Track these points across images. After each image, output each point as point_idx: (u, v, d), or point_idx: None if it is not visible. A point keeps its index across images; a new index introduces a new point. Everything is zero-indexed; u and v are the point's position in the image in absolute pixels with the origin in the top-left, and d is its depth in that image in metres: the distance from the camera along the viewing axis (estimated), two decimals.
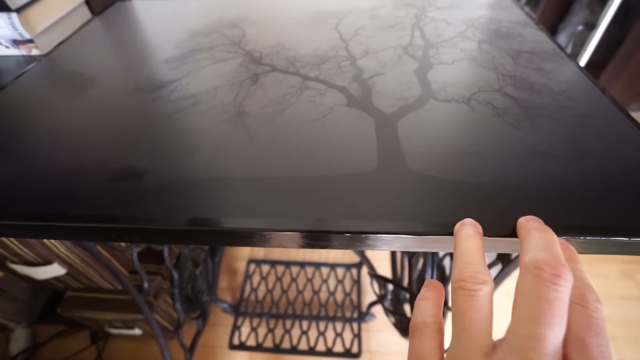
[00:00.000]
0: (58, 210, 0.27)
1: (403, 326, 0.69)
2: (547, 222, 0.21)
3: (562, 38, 1.74)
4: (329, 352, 0.91)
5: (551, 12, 1.80)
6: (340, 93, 0.36)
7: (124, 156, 0.31)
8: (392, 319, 0.73)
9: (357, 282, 1.03)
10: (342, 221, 0.24)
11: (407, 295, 0.64)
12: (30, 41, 0.49)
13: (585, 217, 0.24)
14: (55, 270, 0.59)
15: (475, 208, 0.24)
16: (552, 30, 1.81)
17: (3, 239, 0.52)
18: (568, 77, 0.36)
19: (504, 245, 0.24)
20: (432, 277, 0.56)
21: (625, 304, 0.94)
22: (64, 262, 0.58)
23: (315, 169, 0.28)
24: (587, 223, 0.23)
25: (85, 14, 0.60)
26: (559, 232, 0.21)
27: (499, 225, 0.23)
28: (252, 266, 1.09)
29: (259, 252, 1.13)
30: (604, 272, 1.01)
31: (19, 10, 0.46)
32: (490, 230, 0.23)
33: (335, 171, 0.28)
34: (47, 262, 0.58)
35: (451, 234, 0.23)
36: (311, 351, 0.91)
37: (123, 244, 0.53)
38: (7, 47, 0.50)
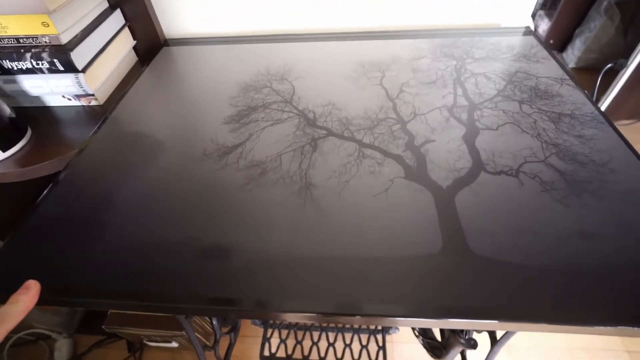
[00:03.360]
0: (158, 289, 0.30)
1: (432, 348, 0.73)
2: (598, 308, 0.25)
3: (577, 43, 1.74)
4: None
5: (568, 17, 1.79)
6: (396, 163, 0.39)
7: (208, 231, 0.34)
8: (421, 341, 0.77)
9: None
10: (413, 309, 0.28)
11: None
12: (92, 96, 0.53)
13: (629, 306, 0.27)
14: None
15: (525, 294, 0.28)
16: (569, 35, 1.81)
17: None
18: (608, 145, 0.39)
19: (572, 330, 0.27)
20: None
21: None
22: None
23: (386, 250, 0.32)
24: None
25: (132, 58, 0.63)
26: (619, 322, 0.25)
27: (535, 312, 0.27)
28: None
29: None
30: None
31: (84, 70, 0.49)
32: (543, 317, 0.26)
33: (405, 252, 0.31)
34: None
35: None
36: None
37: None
38: (69, 99, 0.54)
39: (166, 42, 0.64)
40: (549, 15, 1.88)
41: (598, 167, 0.37)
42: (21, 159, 0.47)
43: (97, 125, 0.47)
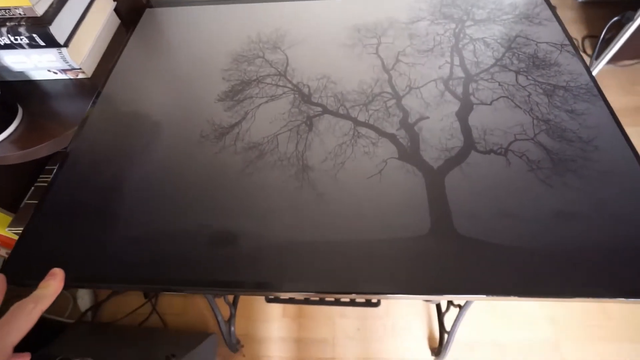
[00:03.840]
0: (170, 275, 0.33)
1: None
2: (563, 285, 0.29)
3: None
4: (352, 302, 1.06)
5: None
6: (390, 143, 0.40)
7: (208, 220, 0.36)
8: None
9: None
10: (402, 285, 0.31)
11: None
12: (79, 69, 0.51)
13: (600, 280, 0.31)
14: None
15: (503, 272, 0.31)
16: None
17: None
18: (597, 121, 0.40)
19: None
20: None
21: None
22: None
23: (378, 232, 0.34)
24: (602, 288, 0.30)
25: (114, 20, 0.59)
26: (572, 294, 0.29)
27: (523, 288, 0.30)
28: None
29: None
30: None
31: (67, 43, 0.47)
32: (513, 291, 0.30)
33: (397, 234, 0.34)
34: None
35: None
36: (337, 302, 1.06)
37: None
38: (55, 73, 0.52)
39: (149, 3, 0.60)
40: None
41: (584, 144, 0.39)
42: (17, 141, 0.47)
43: (90, 104, 0.46)
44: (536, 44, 0.48)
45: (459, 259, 0.32)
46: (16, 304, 0.27)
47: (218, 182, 0.39)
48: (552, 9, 0.51)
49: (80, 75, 0.53)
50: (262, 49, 0.51)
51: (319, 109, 0.44)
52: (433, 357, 0.91)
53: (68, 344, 0.83)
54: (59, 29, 0.46)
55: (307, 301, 1.07)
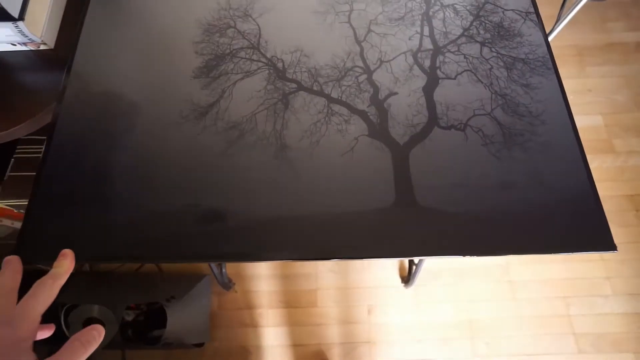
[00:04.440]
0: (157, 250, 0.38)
1: None
2: (496, 245, 0.36)
3: None
4: None
5: None
6: (361, 120, 0.43)
7: (196, 198, 0.40)
8: None
9: None
10: (370, 250, 0.38)
11: None
12: (39, 42, 0.49)
13: (522, 241, 0.38)
14: None
15: (455, 235, 0.38)
16: None
17: None
18: (547, 95, 0.44)
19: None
20: None
21: None
22: None
23: (351, 204, 0.40)
24: (527, 245, 0.38)
25: None
26: (504, 251, 0.36)
27: (468, 247, 0.38)
28: None
29: None
30: None
31: (21, 16, 0.45)
32: (460, 251, 0.37)
33: (366, 207, 0.40)
34: None
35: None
36: None
37: None
38: (13, 45, 0.49)
39: None
40: None
41: (533, 118, 0.43)
42: None
43: (62, 83, 0.46)
44: (503, 12, 0.49)
45: (418, 226, 0.38)
46: (37, 282, 0.31)
47: (202, 163, 0.42)
48: None
49: (43, 47, 0.50)
50: (233, 18, 0.50)
51: (294, 85, 0.46)
52: (403, 284, 1.05)
53: (71, 292, 0.90)
54: (10, 1, 0.43)
55: None
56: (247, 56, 0.47)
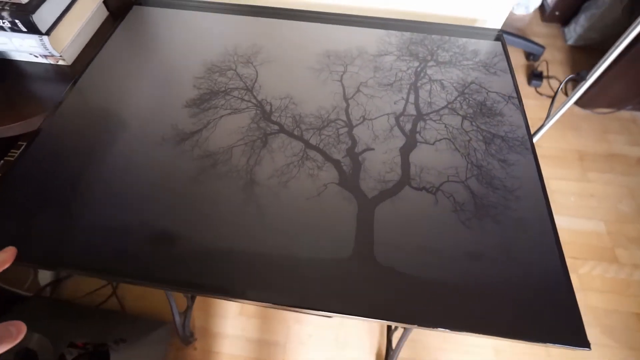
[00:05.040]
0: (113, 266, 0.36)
1: None
2: (457, 319, 0.32)
3: (582, 19, 1.68)
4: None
5: None
6: (334, 168, 0.44)
7: (155, 219, 0.39)
8: None
9: None
10: (320, 300, 0.35)
11: None
12: (59, 56, 0.53)
13: (485, 320, 0.34)
14: None
15: (418, 301, 0.35)
16: (576, 9, 1.73)
17: None
18: (524, 173, 0.44)
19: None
20: None
21: None
22: None
23: (308, 249, 0.38)
24: (491, 326, 0.34)
25: (102, 12, 0.62)
26: (463, 328, 0.32)
27: (425, 316, 0.34)
28: None
29: None
30: None
31: (48, 32, 0.50)
32: (418, 319, 0.34)
33: (322, 253, 0.37)
34: None
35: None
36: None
37: None
38: (36, 57, 0.54)
39: (137, 0, 0.62)
40: None
41: (507, 192, 0.42)
42: None
43: (65, 92, 0.49)
44: (487, 93, 0.52)
45: (373, 285, 0.36)
46: None
47: (172, 185, 0.42)
48: (509, 61, 0.55)
49: (61, 62, 0.55)
50: (236, 62, 0.54)
51: (277, 127, 0.47)
52: None
53: (22, 316, 0.84)
54: (42, 18, 0.48)
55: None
56: (239, 96, 0.50)
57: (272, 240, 0.38)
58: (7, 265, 0.33)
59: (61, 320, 0.90)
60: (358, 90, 0.51)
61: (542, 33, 1.84)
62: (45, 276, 1.09)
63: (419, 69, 0.54)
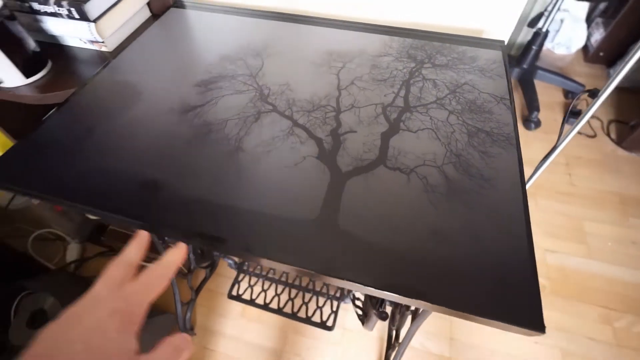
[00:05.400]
0: (112, 203, 0.40)
1: (359, 315, 0.82)
2: (410, 286, 0.32)
3: (628, 61, 1.61)
4: (307, 319, 1.07)
5: (625, 30, 1.66)
6: (315, 145, 0.46)
7: (152, 169, 0.44)
8: (358, 311, 0.86)
9: None
10: (284, 254, 0.36)
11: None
12: (102, 42, 0.62)
13: (439, 291, 0.34)
14: None
15: (371, 267, 0.35)
16: (622, 50, 1.68)
17: None
18: (504, 165, 0.44)
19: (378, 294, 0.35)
20: None
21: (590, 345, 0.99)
22: None
23: (277, 208, 0.40)
24: (445, 297, 0.33)
25: (146, 13, 0.72)
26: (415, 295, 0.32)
27: (376, 280, 0.34)
28: None
29: None
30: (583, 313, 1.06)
31: (95, 20, 0.59)
32: (374, 283, 0.34)
33: (289, 213, 0.39)
34: None
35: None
36: (293, 315, 1.08)
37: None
38: (84, 43, 0.64)
39: (175, 3, 0.72)
40: (606, 25, 1.74)
41: (483, 181, 0.42)
42: (40, 87, 0.59)
43: (98, 70, 0.57)
44: (479, 93, 0.53)
45: (331, 245, 0.37)
46: (149, 269, 0.27)
47: (171, 143, 0.47)
48: (507, 68, 0.56)
49: (103, 49, 0.64)
50: (246, 54, 0.60)
51: (270, 107, 0.51)
52: None
53: (44, 283, 0.92)
54: (92, 8, 0.58)
55: (265, 306, 1.09)
56: (243, 80, 0.55)
57: (245, 196, 0.41)
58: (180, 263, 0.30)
59: (76, 291, 0.96)
60: (352, 83, 0.55)
61: (584, 73, 1.79)
62: (72, 254, 1.18)
63: (414, 69, 0.57)
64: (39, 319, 0.86)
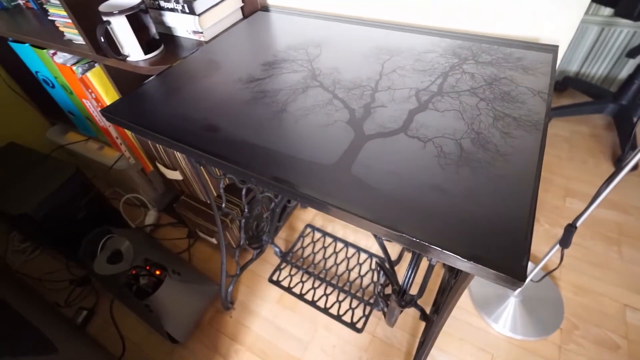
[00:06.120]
0: (182, 137, 0.52)
1: (386, 314, 0.82)
2: (405, 225, 0.36)
3: None
4: (338, 317, 1.09)
5: None
6: (348, 113, 0.53)
7: (215, 118, 0.55)
8: (381, 304, 0.86)
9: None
10: (301, 187, 0.43)
11: (396, 288, 0.75)
12: (201, 33, 0.79)
13: (430, 231, 0.36)
14: (177, 175, 0.92)
15: (373, 205, 0.39)
16: None
17: (157, 145, 0.87)
18: (524, 145, 0.45)
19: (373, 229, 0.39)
20: (411, 276, 0.67)
21: None
22: (182, 171, 0.91)
23: (303, 153, 0.47)
24: (436, 237, 0.36)
25: (238, 15, 0.88)
26: (406, 229, 0.36)
27: (377, 216, 0.38)
28: (309, 230, 1.32)
29: (318, 221, 1.35)
30: None
31: (200, 14, 0.76)
32: (369, 217, 0.38)
33: (313, 158, 0.46)
34: (174, 168, 0.91)
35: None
36: (325, 310, 1.11)
37: (217, 173, 0.81)
38: (189, 33, 0.82)
39: (263, 7, 0.87)
40: None
41: (498, 155, 0.44)
42: (152, 62, 0.77)
43: (192, 52, 0.73)
44: (516, 86, 0.54)
45: (342, 187, 0.42)
46: None
47: (231, 100, 0.58)
48: (554, 70, 0.56)
49: (202, 38, 0.81)
50: (309, 45, 0.70)
51: (317, 83, 0.60)
52: None
53: (125, 233, 1.11)
54: (199, 5, 0.75)
55: (301, 296, 1.14)
56: (301, 63, 0.65)
57: (281, 142, 0.49)
58: None
59: (147, 246, 1.14)
60: (393, 71, 0.60)
61: None
62: (149, 219, 1.39)
63: (456, 64, 0.60)
64: (116, 257, 1.04)
